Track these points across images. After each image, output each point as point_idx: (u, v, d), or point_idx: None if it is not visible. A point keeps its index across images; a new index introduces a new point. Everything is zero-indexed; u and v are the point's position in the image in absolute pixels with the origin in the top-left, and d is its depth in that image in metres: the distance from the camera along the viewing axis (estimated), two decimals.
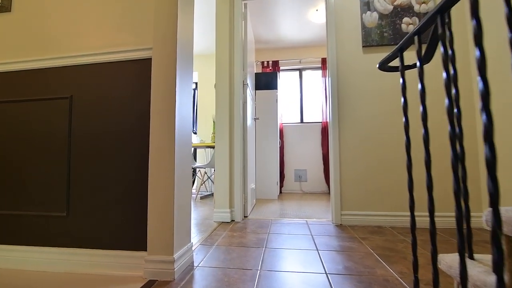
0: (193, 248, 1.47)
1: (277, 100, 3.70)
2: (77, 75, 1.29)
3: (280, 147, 4.11)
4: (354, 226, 2.00)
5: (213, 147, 3.64)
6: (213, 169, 4.22)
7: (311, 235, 1.77)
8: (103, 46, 1.27)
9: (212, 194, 3.92)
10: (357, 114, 2.14)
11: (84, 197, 1.24)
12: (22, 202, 1.30)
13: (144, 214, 1.19)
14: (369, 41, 2.16)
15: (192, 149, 4.52)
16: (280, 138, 4.17)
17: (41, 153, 1.29)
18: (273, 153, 3.60)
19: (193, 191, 4.23)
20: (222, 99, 2.26)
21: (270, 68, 4.41)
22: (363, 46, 2.16)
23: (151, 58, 1.22)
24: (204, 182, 4.27)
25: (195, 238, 1.72)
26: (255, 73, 3.75)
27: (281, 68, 4.48)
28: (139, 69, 1.23)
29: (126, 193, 1.20)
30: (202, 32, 3.83)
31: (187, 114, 1.29)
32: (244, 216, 2.31)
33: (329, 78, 2.20)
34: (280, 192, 4.07)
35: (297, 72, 4.52)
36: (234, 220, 2.18)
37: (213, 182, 4.14)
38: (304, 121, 4.39)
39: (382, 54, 2.15)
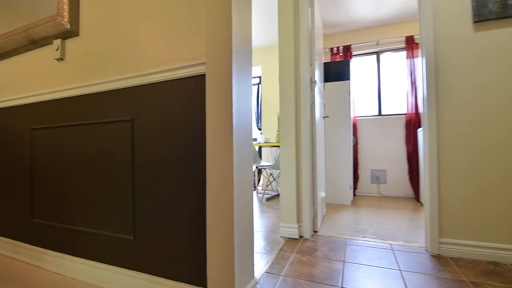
0: (257, 276, 1.33)
1: (349, 92, 3.25)
2: (137, 96, 1.24)
3: (353, 145, 3.66)
4: (458, 260, 1.55)
5: (278, 146, 3.46)
6: (278, 171, 4.07)
7: (400, 270, 1.43)
8: (159, 63, 1.19)
9: (278, 195, 3.78)
10: (464, 107, 1.62)
11: (149, 222, 1.21)
12: (95, 221, 1.36)
13: (205, 246, 1.09)
14: (484, 14, 1.59)
15: (257, 147, 4.42)
16: (353, 134, 3.71)
17: (110, 176, 1.31)
18: (346, 152, 3.20)
19: (259, 189, 4.17)
20: (287, 98, 2.03)
21: (341, 54, 3.92)
22: (474, 22, 1.61)
23: (204, 75, 1.08)
24: (270, 183, 4.15)
25: (260, 260, 1.58)
26: (324, 63, 3.36)
27: (353, 53, 3.94)
28: (194, 86, 1.10)
29: (189, 220, 1.12)
30: (263, 22, 3.61)
31: (246, 136, 1.11)
32: (314, 231, 2.07)
33: (424, 59, 1.72)
34: (354, 194, 3.66)
35: (374, 56, 3.90)
36: (302, 237, 1.97)
37: (279, 185, 4.00)
38: (382, 113, 3.80)
39: (507, 30, 1.55)
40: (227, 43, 0.99)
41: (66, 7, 1.40)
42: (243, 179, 1.08)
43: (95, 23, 1.38)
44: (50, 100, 1.54)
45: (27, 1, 1.63)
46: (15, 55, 1.74)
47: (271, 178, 4.09)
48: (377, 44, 3.76)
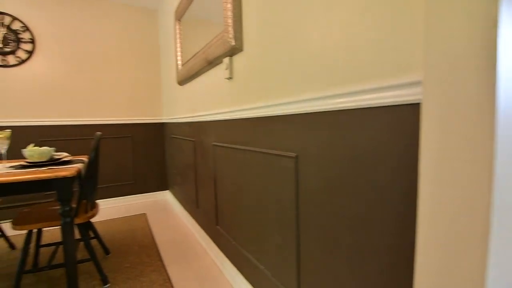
0: None
1: None
2: (304, 126, 0.93)
3: None
4: None
5: None
6: None
7: None
8: (341, 81, 0.80)
9: None
10: None
11: (320, 275, 0.92)
12: (259, 253, 1.24)
13: None
14: None
15: None
16: None
17: (273, 209, 1.12)
18: None
19: None
20: None
21: None
22: None
23: (419, 104, 0.58)
24: None
25: None
26: None
27: None
28: (396, 120, 0.64)
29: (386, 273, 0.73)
30: None
31: None
32: None
33: None
34: None
35: None
36: None
37: None
38: None
39: None
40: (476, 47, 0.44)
41: (230, 21, 1.28)
42: None
43: (258, 34, 1.16)
44: (222, 120, 1.55)
45: (217, 16, 1.68)
46: (200, 75, 1.90)
47: None
48: None
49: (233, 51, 1.33)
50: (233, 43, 1.28)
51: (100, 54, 2.93)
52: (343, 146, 0.77)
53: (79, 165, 1.50)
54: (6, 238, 2.02)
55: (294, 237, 1.01)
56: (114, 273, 1.69)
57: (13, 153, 2.54)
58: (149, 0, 2.96)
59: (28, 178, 1.20)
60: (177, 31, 2.28)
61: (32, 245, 2.02)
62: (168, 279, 1.61)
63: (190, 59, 1.99)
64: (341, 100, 0.75)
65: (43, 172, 1.28)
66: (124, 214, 2.81)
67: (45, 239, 2.18)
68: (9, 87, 2.56)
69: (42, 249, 1.99)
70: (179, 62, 2.30)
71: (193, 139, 2.16)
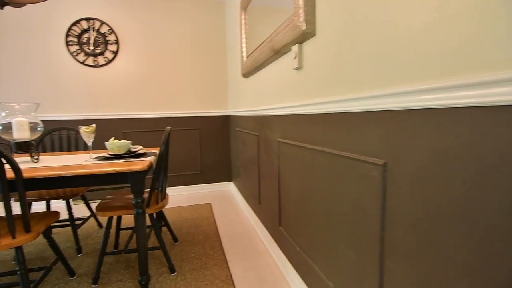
0: None
1: None
2: (397, 127, 0.73)
3: None
4: None
5: None
6: None
7: None
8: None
9: None
10: None
11: None
12: (328, 266, 1.08)
13: None
14: None
15: None
16: None
17: (349, 221, 0.95)
18: None
19: None
20: None
21: None
22: None
23: None
24: None
25: None
26: None
27: None
28: None
29: None
30: None
31: None
32: None
33: None
34: None
35: None
36: None
37: None
38: None
39: None
40: None
41: (301, 2, 1.11)
42: None
43: (335, 15, 0.98)
44: (290, 115, 1.42)
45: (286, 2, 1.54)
46: (265, 66, 1.79)
47: None
48: None
49: (303, 37, 1.17)
50: (304, 27, 1.11)
51: (171, 50, 3.08)
52: (463, 158, 0.55)
53: (151, 158, 1.57)
54: (95, 217, 2.31)
55: (375, 259, 0.83)
56: (181, 262, 1.76)
57: (101, 143, 2.89)
58: None
59: (106, 171, 1.28)
60: (243, 21, 2.21)
61: (113, 227, 2.26)
62: (230, 277, 1.59)
63: (255, 49, 1.89)
64: (464, 93, 0.53)
65: (119, 165, 1.37)
66: (190, 203, 2.97)
67: (124, 222, 2.43)
68: (99, 85, 2.91)
69: (122, 232, 2.21)
70: (244, 54, 2.24)
71: (256, 134, 2.08)
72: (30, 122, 1.53)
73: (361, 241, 0.89)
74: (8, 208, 1.14)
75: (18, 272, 1.20)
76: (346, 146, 0.94)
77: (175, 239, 2.02)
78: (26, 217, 1.21)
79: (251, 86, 2.21)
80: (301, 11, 1.11)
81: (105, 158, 1.57)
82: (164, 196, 1.72)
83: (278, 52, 1.45)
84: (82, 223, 2.04)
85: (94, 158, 1.59)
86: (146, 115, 3.07)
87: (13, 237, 1.17)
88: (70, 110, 2.87)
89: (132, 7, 2.92)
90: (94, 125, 1.56)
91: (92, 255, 1.86)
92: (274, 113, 1.64)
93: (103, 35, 2.84)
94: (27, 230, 1.22)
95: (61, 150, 2.21)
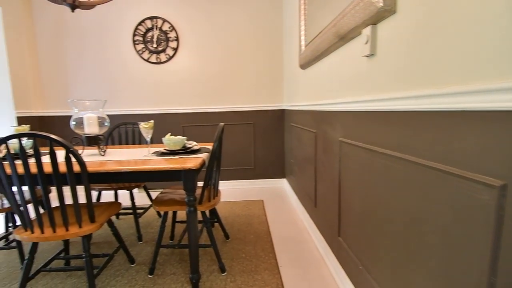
0: None
1: None
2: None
3: None
4: None
5: None
6: None
7: None
8: None
9: None
10: None
11: None
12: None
13: None
14: None
15: None
16: None
17: (426, 249, 0.74)
18: None
19: None
20: None
21: None
22: None
23: None
24: None
25: None
26: None
27: None
28: None
29: None
30: None
31: None
32: None
33: None
34: None
35: None
36: None
37: None
38: None
39: None
40: None
41: None
42: None
43: None
44: (356, 111, 1.21)
45: None
46: (327, 55, 1.59)
47: None
48: None
49: (379, 17, 0.95)
50: (380, 3, 0.90)
51: (227, 44, 3.06)
52: None
53: (204, 155, 1.54)
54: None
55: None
56: (232, 261, 1.72)
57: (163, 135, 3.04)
58: None
59: (160, 168, 1.28)
60: (302, 6, 2.02)
61: (170, 219, 2.35)
62: (281, 285, 1.48)
63: (315, 37, 1.70)
64: None
65: (173, 162, 1.36)
66: (243, 198, 2.94)
67: (180, 215, 2.51)
68: (160, 80, 3.06)
69: (177, 224, 2.28)
70: (302, 43, 2.05)
71: (314, 131, 1.90)
72: (98, 118, 1.64)
73: (455, 281, 0.67)
74: (75, 199, 1.22)
75: (84, 259, 1.29)
76: (437, 155, 0.71)
77: (226, 236, 2.00)
78: (91, 208, 1.28)
79: (309, 78, 2.02)
80: None
81: (162, 154, 1.59)
82: (216, 193, 1.69)
83: (344, 38, 1.24)
84: (143, 212, 2.17)
85: (152, 153, 1.63)
86: (202, 110, 3.13)
87: (80, 227, 1.25)
88: (136, 105, 3.08)
89: (190, 2, 2.96)
90: (152, 121, 1.59)
91: (151, 244, 1.95)
92: (336, 108, 1.44)
93: (165, 33, 2.95)
94: (92, 220, 1.30)
95: (126, 143, 2.37)
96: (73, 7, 1.42)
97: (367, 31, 1.04)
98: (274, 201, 2.83)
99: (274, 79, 3.15)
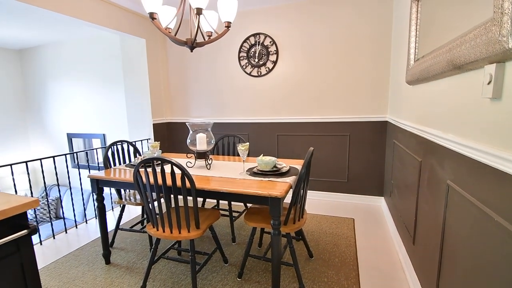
0: None
1: None
2: None
3: None
4: None
5: None
6: None
7: None
8: None
9: None
10: None
11: None
12: None
13: None
14: None
15: None
16: None
17: None
18: None
19: None
20: None
21: None
22: None
23: None
24: None
25: None
26: None
27: None
28: None
29: None
30: None
31: None
32: None
33: None
34: None
35: None
36: None
37: None
38: None
39: None
40: None
41: (507, 7, 0.72)
42: None
43: None
44: (471, 158, 1.01)
45: None
46: (437, 79, 1.36)
47: None
48: None
49: (506, 56, 0.76)
50: (509, 45, 0.72)
51: (325, 52, 2.98)
52: None
53: (291, 180, 1.61)
54: None
55: None
56: (313, 284, 1.74)
57: (261, 143, 3.28)
58: None
59: (250, 192, 1.43)
60: (413, 15, 1.77)
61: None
62: None
63: (426, 55, 1.48)
64: None
65: (263, 187, 1.48)
66: (332, 213, 2.87)
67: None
68: (259, 92, 3.29)
69: (265, 235, 2.45)
70: (411, 57, 1.81)
71: (419, 159, 1.67)
72: (207, 137, 1.94)
73: None
74: (186, 210, 1.51)
75: (190, 257, 1.59)
76: None
77: (310, 255, 2.03)
78: (197, 217, 1.56)
79: (416, 97, 1.77)
80: (507, 20, 0.72)
81: (254, 173, 1.75)
82: (302, 215, 1.74)
83: (460, 68, 1.05)
84: (238, 216, 2.44)
85: (247, 171, 1.82)
86: (297, 119, 3.19)
87: (188, 231, 1.55)
88: (238, 114, 3.44)
89: (289, 16, 3.03)
90: (247, 143, 1.77)
91: (242, 247, 2.19)
92: (445, 144, 1.23)
93: (266, 47, 3.14)
94: (197, 226, 1.58)
95: (228, 151, 2.69)
96: (192, 48, 1.72)
97: (490, 69, 0.85)
98: (366, 221, 2.64)
99: (378, 87, 2.88)
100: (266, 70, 3.19)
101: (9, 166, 2.19)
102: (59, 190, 2.77)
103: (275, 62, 3.14)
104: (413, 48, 1.78)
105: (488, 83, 0.87)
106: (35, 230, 0.92)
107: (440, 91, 1.35)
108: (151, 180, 1.67)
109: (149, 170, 1.90)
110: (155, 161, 1.45)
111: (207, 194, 1.60)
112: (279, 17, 3.08)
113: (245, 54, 3.25)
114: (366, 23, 2.81)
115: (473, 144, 0.96)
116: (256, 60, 3.19)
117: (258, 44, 3.16)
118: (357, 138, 3.03)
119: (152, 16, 1.58)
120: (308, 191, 3.29)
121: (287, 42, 3.09)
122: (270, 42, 3.13)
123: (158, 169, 1.86)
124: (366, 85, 2.91)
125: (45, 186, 2.59)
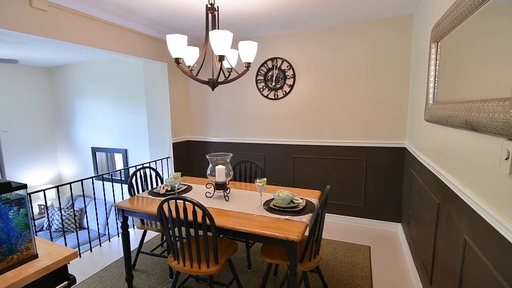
0: None
1: None
2: None
3: None
4: None
5: None
6: None
7: None
8: None
9: None
10: None
11: None
12: None
13: None
14: None
15: None
16: None
17: None
18: None
19: None
20: None
21: None
22: None
23: None
24: None
25: None
26: None
27: None
28: None
29: None
30: None
31: None
32: None
33: None
34: None
35: None
36: None
37: None
38: None
39: None
40: None
41: None
42: None
43: None
44: (490, 225, 1.02)
45: None
46: (454, 128, 1.37)
47: None
48: None
49: None
50: None
51: (342, 78, 3.01)
52: None
53: (307, 219, 1.65)
54: None
55: None
56: None
57: (276, 163, 3.33)
58: (402, 6, 2.53)
59: (266, 234, 1.49)
60: (432, 55, 1.78)
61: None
62: None
63: (442, 101, 1.48)
64: None
65: (279, 228, 1.53)
66: (347, 238, 2.86)
67: None
68: (276, 115, 3.35)
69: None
70: (430, 96, 1.81)
71: (437, 201, 1.67)
72: (226, 169, 2.02)
73: None
74: (206, 248, 1.59)
75: None
76: None
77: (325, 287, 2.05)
78: (216, 253, 1.62)
79: (435, 136, 1.77)
80: None
81: (271, 209, 1.80)
82: (318, 251, 1.77)
83: (478, 131, 1.06)
84: (253, 243, 2.49)
85: (264, 204, 1.88)
86: (313, 142, 3.22)
87: (207, 266, 1.62)
88: (254, 135, 3.51)
89: (306, 41, 3.08)
90: (265, 179, 1.83)
91: (258, 274, 2.24)
92: (463, 198, 1.24)
93: (283, 71, 3.20)
94: (216, 261, 1.65)
95: (245, 176, 2.75)
96: (213, 87, 1.81)
97: (508, 146, 0.87)
98: (383, 249, 2.62)
99: (396, 112, 2.87)
100: (283, 94, 3.25)
101: (42, 192, 2.38)
102: (84, 201, 2.93)
103: (292, 86, 3.20)
104: (432, 87, 1.79)
105: (506, 159, 0.88)
106: (74, 281, 1.02)
107: (459, 141, 1.35)
108: (174, 215, 1.76)
109: (171, 202, 1.99)
110: (177, 200, 1.54)
111: (226, 232, 1.66)
112: (297, 43, 3.14)
113: (262, 78, 3.32)
114: (385, 52, 2.81)
115: (492, 211, 0.97)
116: (273, 83, 3.26)
117: (276, 68, 3.23)
118: (374, 163, 3.02)
119: (177, 61, 1.68)
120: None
121: (304, 67, 3.14)
122: (287, 66, 3.19)
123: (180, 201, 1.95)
124: (383, 111, 2.91)
125: (72, 199, 2.77)
